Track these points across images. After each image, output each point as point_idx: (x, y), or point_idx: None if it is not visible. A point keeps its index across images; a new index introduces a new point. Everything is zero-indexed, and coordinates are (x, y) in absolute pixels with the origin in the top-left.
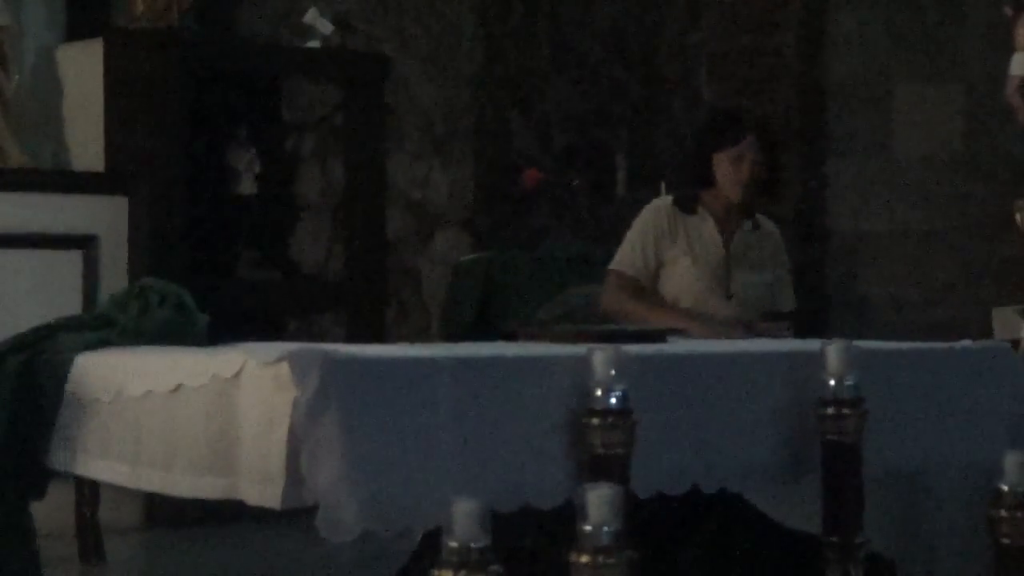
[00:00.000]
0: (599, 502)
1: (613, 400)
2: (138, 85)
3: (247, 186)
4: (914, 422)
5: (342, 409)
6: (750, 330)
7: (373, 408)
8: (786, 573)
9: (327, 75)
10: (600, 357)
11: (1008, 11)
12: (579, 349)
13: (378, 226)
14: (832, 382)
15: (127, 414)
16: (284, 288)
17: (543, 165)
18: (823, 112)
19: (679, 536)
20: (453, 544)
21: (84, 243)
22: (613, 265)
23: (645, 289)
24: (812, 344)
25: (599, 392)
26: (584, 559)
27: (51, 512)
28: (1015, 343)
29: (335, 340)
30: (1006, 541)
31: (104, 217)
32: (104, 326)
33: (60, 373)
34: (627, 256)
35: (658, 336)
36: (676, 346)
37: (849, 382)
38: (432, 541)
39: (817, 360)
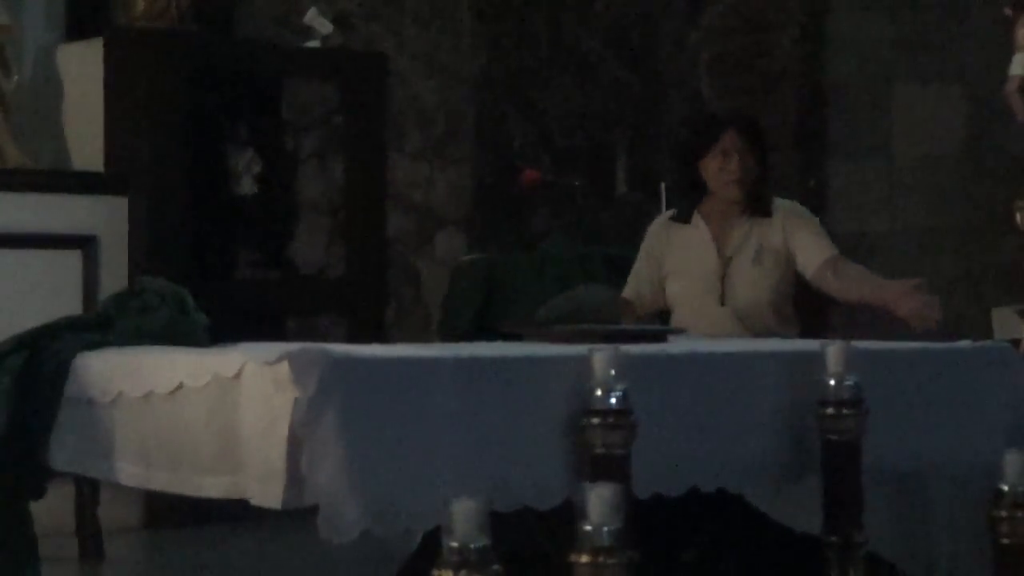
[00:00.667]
0: (599, 502)
1: (613, 400)
2: (138, 85)
3: (247, 186)
4: (914, 422)
5: (342, 409)
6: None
7: (373, 408)
8: (786, 573)
9: (327, 75)
10: (600, 357)
11: (1008, 11)
12: (579, 349)
13: (378, 226)
14: (832, 382)
15: (127, 414)
16: (284, 288)
17: (543, 165)
18: (823, 113)
19: (679, 536)
20: (453, 544)
21: (84, 243)
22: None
23: (634, 312)
24: (812, 344)
25: (599, 392)
26: (584, 559)
27: (51, 512)
28: (1015, 343)
29: (335, 340)
30: (1006, 541)
31: (104, 217)
32: (104, 326)
33: (60, 373)
34: (629, 281)
35: (658, 336)
36: (676, 346)
37: (849, 382)
38: (432, 541)
39: (817, 360)
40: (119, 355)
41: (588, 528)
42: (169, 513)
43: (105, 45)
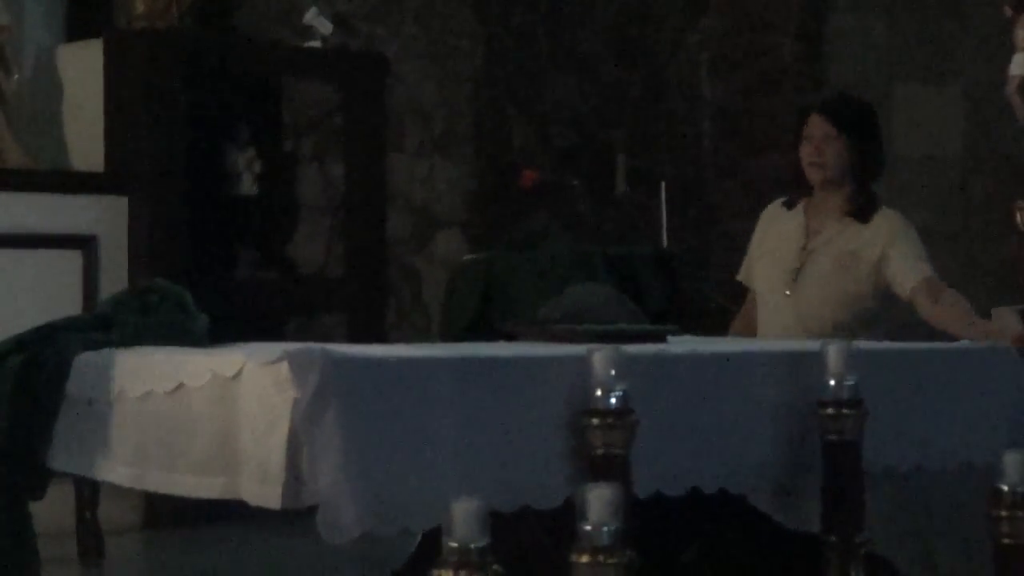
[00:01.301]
0: (599, 502)
1: (613, 400)
2: (138, 85)
3: (247, 186)
4: (914, 422)
5: (342, 409)
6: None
7: (373, 408)
8: (786, 573)
9: (327, 75)
10: (600, 357)
11: (1008, 11)
12: (579, 349)
13: (378, 226)
14: (832, 382)
15: (127, 414)
16: (284, 288)
17: (543, 165)
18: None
19: (679, 536)
20: (453, 544)
21: (84, 243)
22: None
23: (748, 291)
24: (812, 344)
25: (599, 392)
26: (584, 559)
27: (51, 512)
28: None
29: (335, 340)
30: (1006, 541)
31: (104, 217)
32: (104, 326)
33: (60, 373)
34: (744, 262)
35: (658, 336)
36: (676, 346)
37: (849, 382)
38: (432, 541)
39: (817, 360)
40: (119, 355)
41: (588, 528)
42: (169, 513)
43: (105, 45)
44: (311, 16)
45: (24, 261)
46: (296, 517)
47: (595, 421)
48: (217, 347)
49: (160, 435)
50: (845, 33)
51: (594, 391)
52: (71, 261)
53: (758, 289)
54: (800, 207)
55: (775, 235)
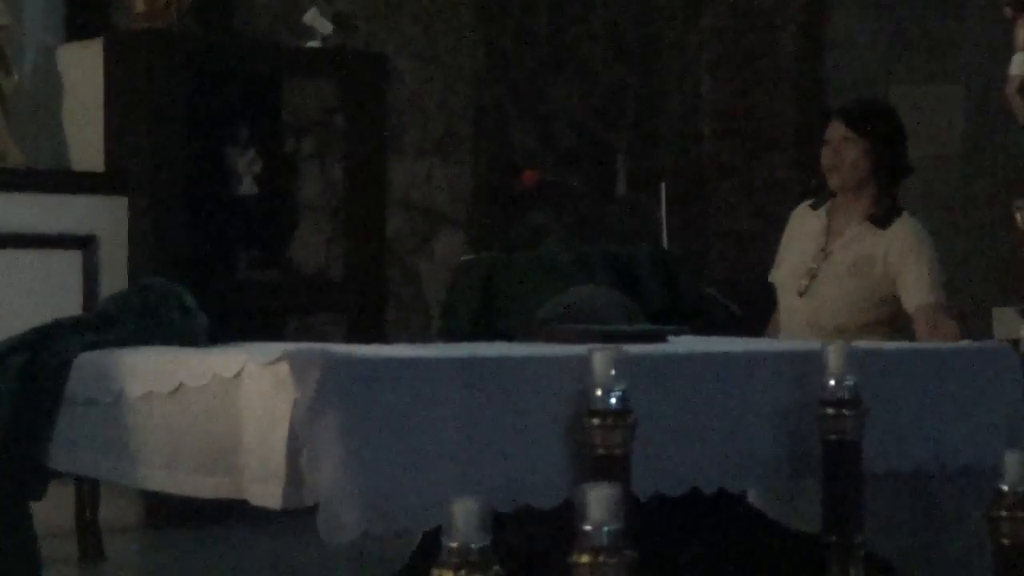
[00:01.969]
0: (599, 502)
1: (613, 400)
2: (138, 85)
3: (247, 186)
4: (914, 422)
5: (342, 409)
6: None
7: (373, 408)
8: (786, 573)
9: (327, 75)
10: (600, 357)
11: (1008, 11)
12: (579, 349)
13: (378, 226)
14: (832, 382)
15: (127, 414)
16: (284, 288)
17: (543, 165)
18: (823, 112)
19: (679, 536)
20: (453, 544)
21: (84, 243)
22: None
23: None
24: (812, 344)
25: (599, 392)
26: (584, 559)
27: (51, 512)
28: (1015, 343)
29: (335, 340)
30: (1006, 541)
31: (104, 217)
32: (104, 326)
33: (60, 373)
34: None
35: (658, 336)
36: (676, 346)
37: (849, 382)
38: (432, 541)
39: (817, 360)
40: (119, 355)
41: (588, 528)
42: (169, 513)
43: (105, 45)
44: (311, 16)
45: (24, 261)
46: (296, 517)
47: (595, 421)
48: (217, 347)
49: (160, 435)
50: (845, 33)
51: (594, 391)
52: (71, 261)
53: (776, 285)
54: (824, 209)
55: (800, 236)
